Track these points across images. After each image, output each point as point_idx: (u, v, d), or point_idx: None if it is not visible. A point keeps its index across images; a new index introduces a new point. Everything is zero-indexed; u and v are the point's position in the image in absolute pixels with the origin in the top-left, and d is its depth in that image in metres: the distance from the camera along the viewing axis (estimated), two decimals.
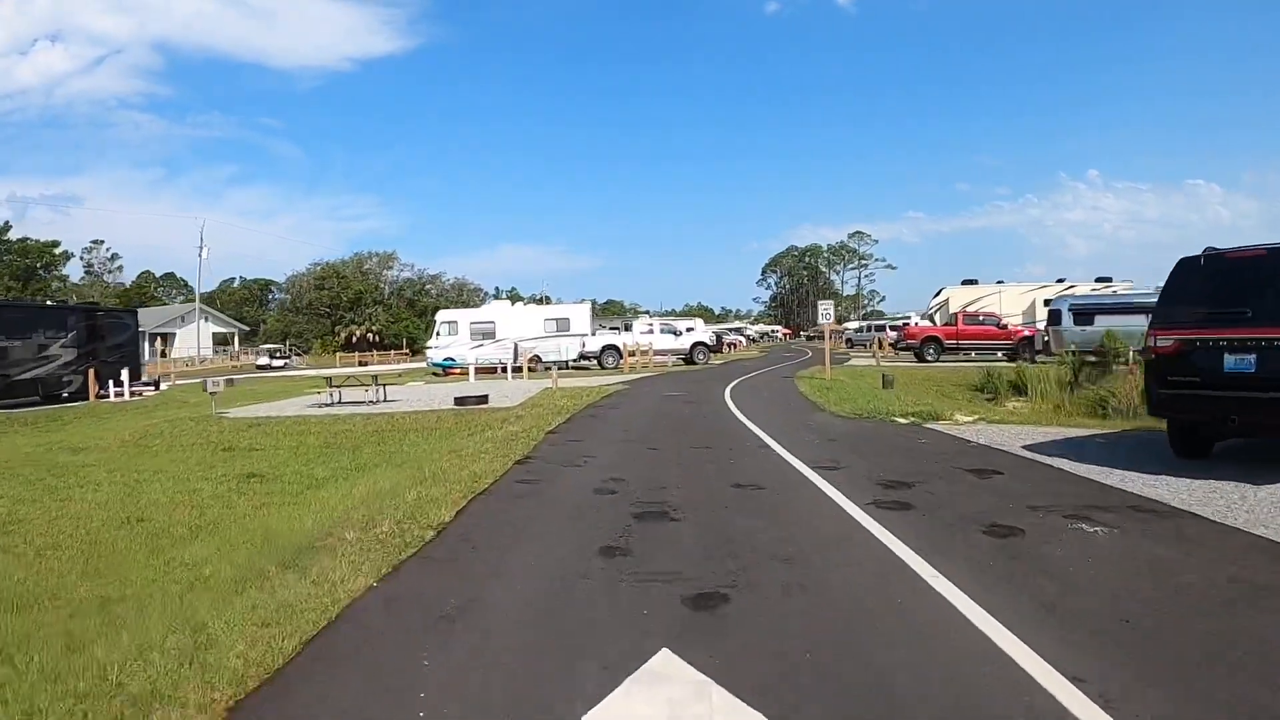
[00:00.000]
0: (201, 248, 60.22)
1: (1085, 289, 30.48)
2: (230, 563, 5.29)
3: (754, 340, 66.14)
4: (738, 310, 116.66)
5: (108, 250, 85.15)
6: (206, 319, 65.61)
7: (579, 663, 3.13)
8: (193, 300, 66.64)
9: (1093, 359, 17.68)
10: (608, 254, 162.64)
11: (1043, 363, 21.21)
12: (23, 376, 23.29)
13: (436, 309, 40.30)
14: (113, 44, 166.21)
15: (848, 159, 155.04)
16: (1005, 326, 28.01)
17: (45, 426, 18.04)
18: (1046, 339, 25.16)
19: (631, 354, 29.82)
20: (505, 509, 6.11)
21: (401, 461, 9.64)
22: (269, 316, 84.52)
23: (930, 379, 21.57)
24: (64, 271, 77.65)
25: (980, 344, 27.46)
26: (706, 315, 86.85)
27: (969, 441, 9.21)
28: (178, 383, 32.30)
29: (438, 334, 31.82)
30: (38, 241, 73.68)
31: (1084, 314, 24.01)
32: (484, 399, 16.10)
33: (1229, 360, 6.46)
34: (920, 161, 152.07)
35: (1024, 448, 8.53)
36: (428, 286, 77.87)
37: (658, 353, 31.21)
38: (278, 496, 8.24)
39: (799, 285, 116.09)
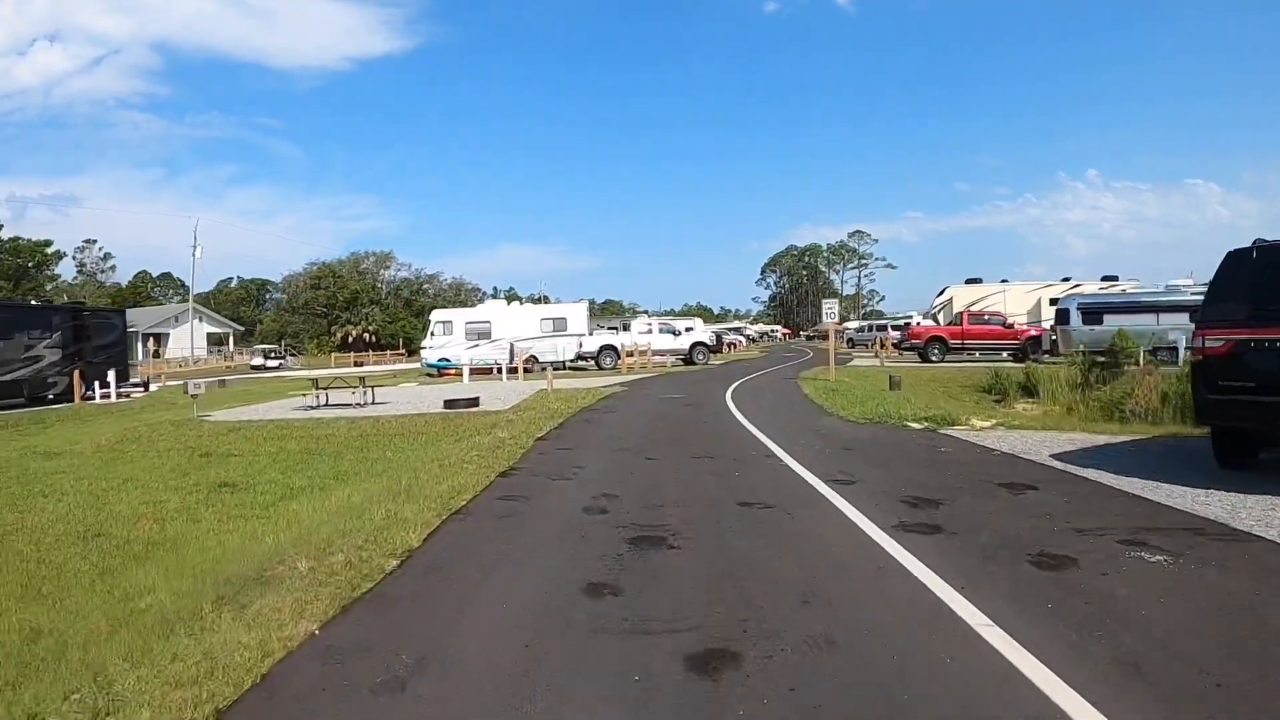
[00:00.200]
0: (195, 247, 59.80)
1: (1092, 287, 29.89)
2: (172, 591, 4.88)
3: (754, 340, 65.49)
4: (737, 310, 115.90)
5: (100, 250, 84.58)
6: (201, 319, 65.03)
7: None
8: (188, 300, 66.05)
9: (1103, 359, 17.16)
10: (607, 254, 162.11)
11: (1051, 363, 20.65)
12: (7, 378, 22.92)
13: (433, 309, 39.58)
14: (112, 44, 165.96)
15: (847, 159, 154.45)
16: (1011, 326, 27.40)
17: (26, 429, 17.45)
18: (1053, 339, 24.64)
19: (630, 354, 29.19)
20: (481, 532, 5.43)
21: (381, 470, 9.07)
22: (265, 317, 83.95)
23: (936, 380, 21.02)
24: (56, 271, 77.01)
25: (986, 344, 26.85)
26: (706, 315, 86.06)
27: (992, 450, 8.59)
28: (169, 384, 31.66)
29: (432, 334, 31.20)
30: (30, 241, 72.94)
31: (1092, 313, 23.46)
32: (475, 402, 15.53)
33: None
34: (920, 161, 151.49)
35: (1052, 456, 7.92)
36: (425, 286, 77.31)
37: (656, 353, 30.57)
38: (247, 509, 7.82)
39: (798, 285, 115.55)
